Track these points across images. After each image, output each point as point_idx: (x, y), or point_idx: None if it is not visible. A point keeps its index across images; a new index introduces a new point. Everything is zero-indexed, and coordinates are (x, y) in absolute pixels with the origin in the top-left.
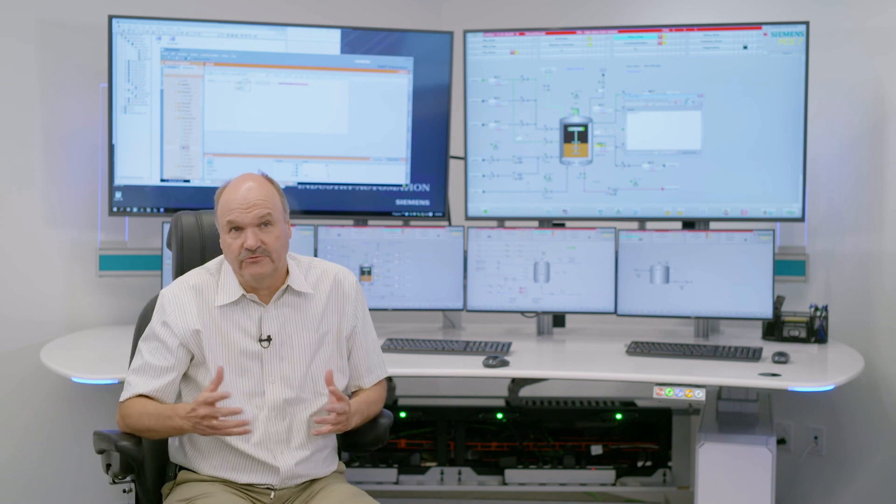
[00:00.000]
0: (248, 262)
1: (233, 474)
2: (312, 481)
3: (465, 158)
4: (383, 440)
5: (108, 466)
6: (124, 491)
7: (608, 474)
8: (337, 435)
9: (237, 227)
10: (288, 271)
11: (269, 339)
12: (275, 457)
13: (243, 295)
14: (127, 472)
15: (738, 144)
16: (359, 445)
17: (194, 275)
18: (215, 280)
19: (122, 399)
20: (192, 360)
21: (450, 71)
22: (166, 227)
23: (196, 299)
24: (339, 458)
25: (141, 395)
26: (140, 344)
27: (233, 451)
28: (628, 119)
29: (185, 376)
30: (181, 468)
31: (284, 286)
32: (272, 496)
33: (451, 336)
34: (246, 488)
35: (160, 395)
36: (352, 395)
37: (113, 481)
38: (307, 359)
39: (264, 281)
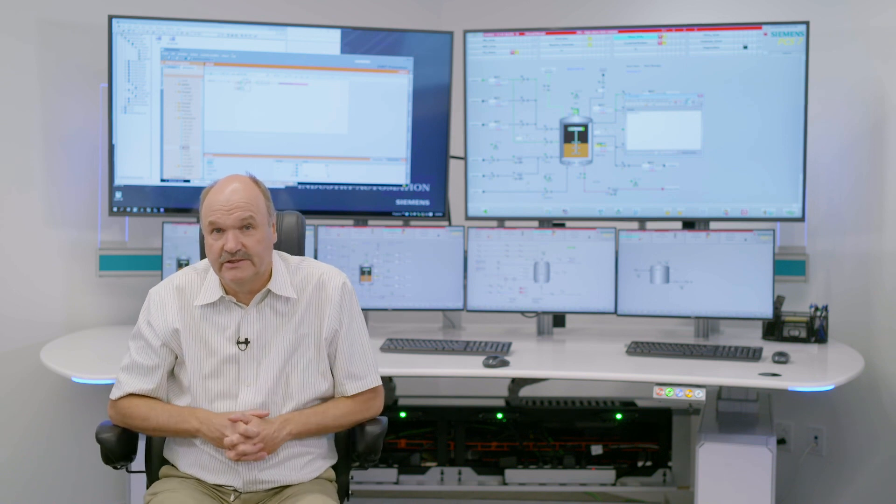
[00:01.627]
0: (228, 267)
1: (202, 473)
2: (285, 487)
3: (465, 158)
4: (375, 449)
5: None
6: (128, 470)
7: (608, 474)
8: (337, 443)
9: (219, 229)
10: (272, 274)
11: (246, 342)
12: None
13: (223, 296)
14: (108, 462)
15: (738, 144)
16: (354, 456)
17: (181, 274)
18: (201, 279)
19: (114, 396)
20: (176, 358)
21: (450, 71)
22: (166, 227)
23: (178, 299)
24: (347, 465)
25: (134, 395)
26: (129, 341)
27: (203, 452)
28: (628, 119)
29: (171, 374)
30: (167, 462)
31: (266, 289)
32: (232, 498)
33: (451, 336)
34: (215, 488)
35: (153, 394)
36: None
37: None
38: (282, 362)
39: (245, 285)
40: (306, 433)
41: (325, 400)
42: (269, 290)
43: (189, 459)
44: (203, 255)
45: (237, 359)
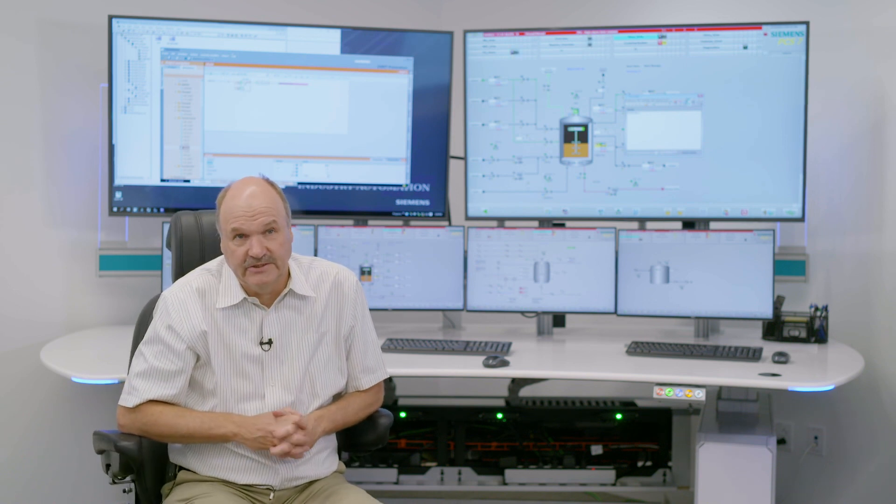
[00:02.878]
0: (253, 271)
1: (232, 475)
2: (311, 482)
3: (465, 158)
4: (383, 440)
5: (108, 466)
6: (124, 491)
7: (608, 474)
8: (337, 434)
9: (241, 235)
10: (289, 274)
11: (269, 342)
12: (275, 459)
13: (245, 298)
14: (126, 473)
15: (738, 144)
16: (359, 445)
17: (196, 276)
18: (217, 281)
19: (129, 404)
20: (197, 360)
21: (450, 71)
22: (167, 227)
23: (200, 301)
24: (340, 458)
25: (154, 401)
26: (142, 347)
27: (232, 454)
28: (628, 119)
29: (190, 377)
30: (181, 468)
31: (286, 290)
32: (271, 497)
33: (451, 336)
34: (245, 488)
35: (175, 400)
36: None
37: (113, 481)
38: (305, 360)
39: (267, 287)
40: (333, 429)
41: (339, 395)
42: (291, 290)
43: (216, 462)
44: (200, 259)
45: (261, 360)
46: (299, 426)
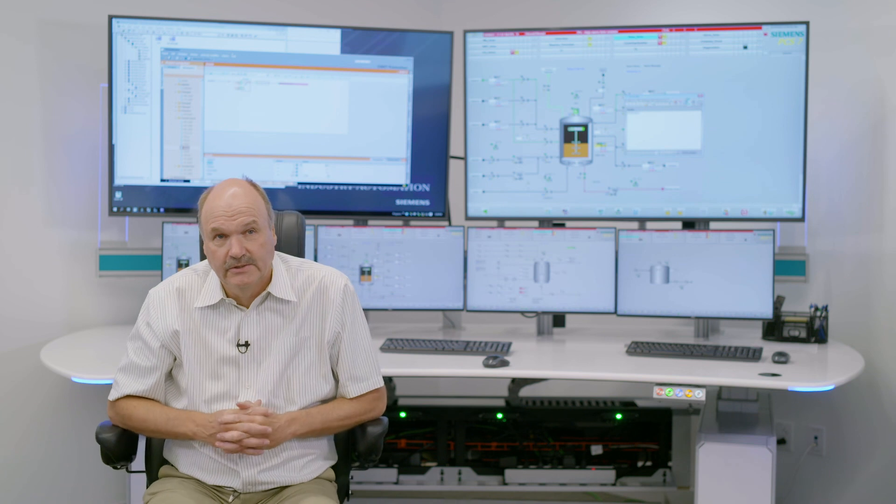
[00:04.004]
0: (234, 272)
1: (202, 474)
2: (284, 487)
3: (465, 158)
4: (375, 450)
5: None
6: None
7: (608, 474)
8: (336, 443)
9: (222, 235)
10: (272, 277)
11: (246, 344)
12: (236, 462)
13: (223, 299)
14: (109, 462)
15: (738, 144)
16: (354, 456)
17: (181, 275)
18: (201, 281)
19: (112, 398)
20: (175, 360)
21: (450, 71)
22: (166, 227)
23: (178, 301)
24: (347, 466)
25: (132, 396)
26: (128, 342)
27: (201, 453)
28: (628, 119)
29: (169, 375)
30: (167, 462)
31: (265, 292)
32: (231, 499)
33: (451, 336)
34: (214, 489)
35: (150, 395)
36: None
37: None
38: (283, 365)
39: (249, 289)
40: (310, 434)
41: (326, 402)
42: (269, 293)
43: (188, 460)
44: (202, 257)
45: (237, 361)
46: (243, 408)
